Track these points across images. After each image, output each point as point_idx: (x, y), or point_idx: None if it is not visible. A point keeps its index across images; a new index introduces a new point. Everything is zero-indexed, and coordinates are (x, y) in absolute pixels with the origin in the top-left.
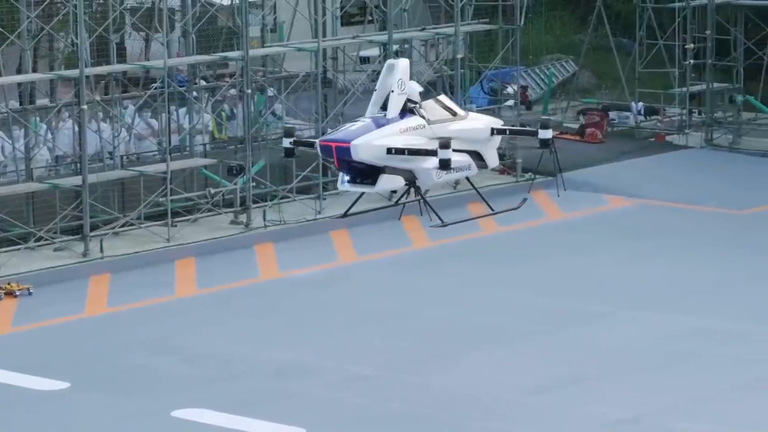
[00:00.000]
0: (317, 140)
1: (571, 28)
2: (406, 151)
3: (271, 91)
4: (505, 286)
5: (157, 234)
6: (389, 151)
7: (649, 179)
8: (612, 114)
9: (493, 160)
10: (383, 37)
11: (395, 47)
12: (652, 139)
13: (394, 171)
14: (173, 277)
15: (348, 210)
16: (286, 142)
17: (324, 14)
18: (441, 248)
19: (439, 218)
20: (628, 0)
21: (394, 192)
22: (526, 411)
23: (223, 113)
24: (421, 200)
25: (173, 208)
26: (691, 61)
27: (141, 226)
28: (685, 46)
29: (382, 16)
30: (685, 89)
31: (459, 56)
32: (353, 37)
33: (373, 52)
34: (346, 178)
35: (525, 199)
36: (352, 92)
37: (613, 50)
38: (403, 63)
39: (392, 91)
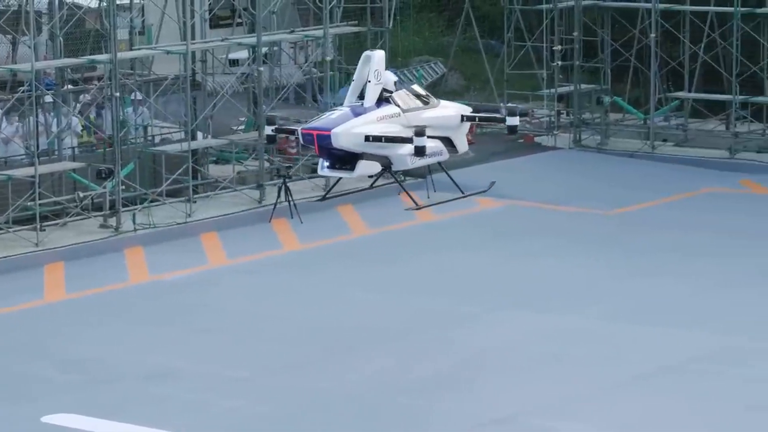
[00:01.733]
0: (299, 128)
1: (439, 30)
2: (383, 138)
3: (139, 95)
4: (379, 287)
5: (25, 238)
6: (367, 138)
7: (519, 180)
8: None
9: (462, 145)
10: (252, 40)
11: (264, 50)
12: (522, 141)
13: (372, 157)
14: (42, 282)
15: (326, 193)
16: (268, 130)
17: (192, 17)
18: (313, 251)
19: (414, 201)
20: (495, 2)
21: (371, 176)
22: (400, 412)
23: (91, 116)
24: (397, 183)
25: (42, 212)
26: (559, 63)
27: (9, 230)
28: (553, 48)
29: (251, 18)
30: (553, 90)
31: (328, 58)
32: (222, 40)
33: (242, 54)
34: (326, 163)
35: (493, 182)
36: (222, 95)
37: (482, 52)
38: (378, 54)
39: (369, 82)
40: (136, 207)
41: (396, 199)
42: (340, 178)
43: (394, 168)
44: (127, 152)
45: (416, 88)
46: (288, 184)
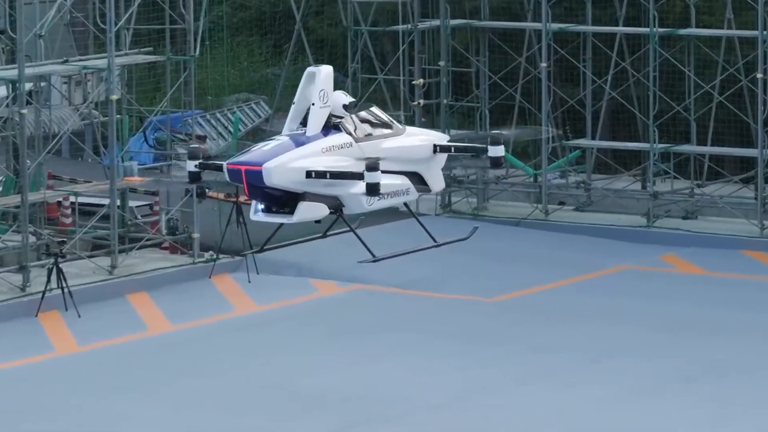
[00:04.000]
0: (224, 163)
1: (262, 60)
2: (327, 174)
3: None
4: (177, 404)
5: None
6: (309, 174)
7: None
8: None
9: (437, 182)
10: (12, 72)
11: (28, 86)
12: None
13: (316, 198)
14: None
15: (264, 245)
16: (191, 165)
17: None
18: (94, 354)
19: (370, 252)
20: (335, 22)
21: (318, 222)
22: None
23: None
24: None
25: None
26: (421, 101)
27: None
28: (413, 82)
29: (10, 44)
30: None
31: (114, 97)
32: None
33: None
34: (260, 206)
35: (476, 228)
36: None
37: None
38: (325, 70)
39: (312, 104)
40: None
41: (207, 284)
42: (281, 225)
43: (347, 211)
44: None
45: (376, 110)
46: (61, 266)
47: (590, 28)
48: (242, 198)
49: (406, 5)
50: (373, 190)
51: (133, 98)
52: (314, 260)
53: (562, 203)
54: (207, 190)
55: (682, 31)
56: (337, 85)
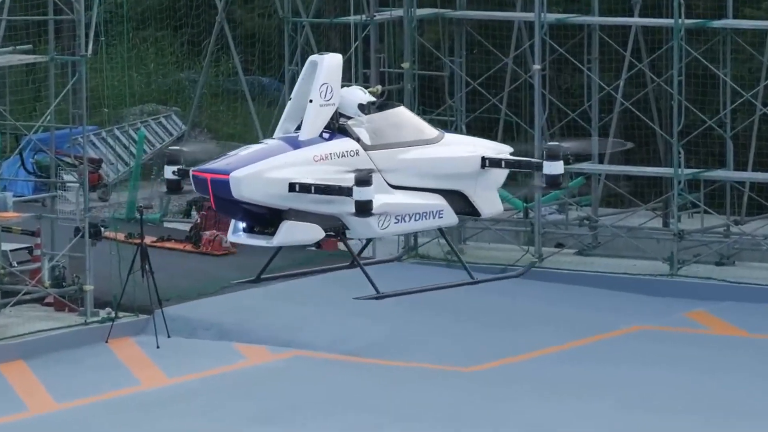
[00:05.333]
0: (191, 169)
1: (174, 61)
2: (312, 188)
3: None
4: None
5: None
6: (292, 187)
7: (314, 316)
8: None
9: (488, 204)
10: None
11: None
12: (316, 248)
13: (307, 217)
14: None
15: (261, 272)
16: (168, 172)
17: None
18: None
19: (374, 286)
20: (269, 12)
21: (318, 246)
22: None
23: None
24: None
25: None
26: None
27: None
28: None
29: None
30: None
31: None
32: None
33: None
34: (241, 225)
35: (533, 263)
36: None
37: (247, 96)
38: (330, 61)
39: (310, 101)
40: None
41: (103, 350)
42: (278, 250)
43: (352, 235)
44: None
45: (403, 112)
46: None
47: (597, 20)
48: (148, 239)
49: None
50: (363, 209)
51: (7, 110)
52: (240, 319)
53: (560, 245)
54: (103, 230)
55: (716, 23)
56: (271, 94)
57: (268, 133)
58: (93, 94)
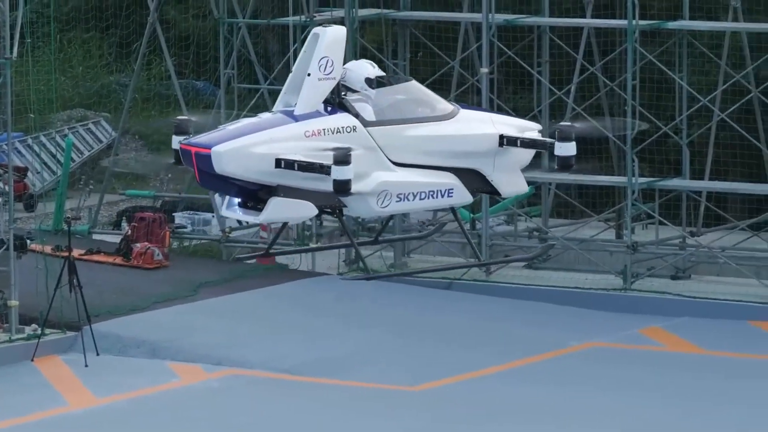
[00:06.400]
0: (180, 142)
1: (103, 63)
2: (295, 164)
3: None
4: None
5: None
6: (278, 163)
7: (250, 333)
8: (180, 217)
9: (509, 184)
10: None
11: None
12: (254, 261)
13: (298, 194)
14: None
15: (269, 247)
16: (176, 142)
17: None
18: None
19: (365, 268)
20: (203, 14)
21: (318, 218)
22: None
23: None
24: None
25: None
26: None
27: None
28: None
29: None
30: None
31: None
32: None
33: None
34: (236, 200)
35: (552, 245)
36: None
37: (180, 101)
38: (333, 33)
39: (308, 75)
40: None
41: (28, 369)
42: (286, 225)
43: (350, 213)
44: None
45: (415, 86)
46: None
47: (547, 21)
48: (76, 252)
49: None
50: (341, 189)
51: None
52: (173, 336)
53: (507, 257)
54: (29, 242)
55: (672, 24)
56: (206, 98)
57: None
58: (18, 99)
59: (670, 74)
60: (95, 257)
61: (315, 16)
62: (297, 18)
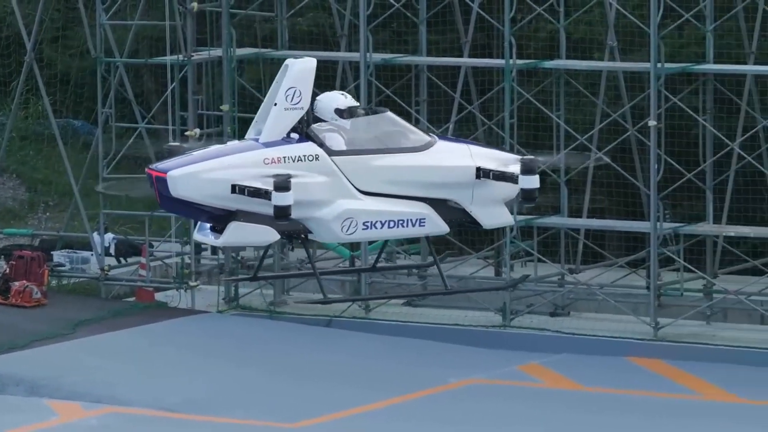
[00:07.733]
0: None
1: None
2: (245, 190)
3: None
4: None
5: None
6: (233, 189)
7: (130, 371)
8: (59, 255)
9: (488, 216)
10: None
11: None
12: (133, 299)
13: (258, 218)
14: None
15: (256, 271)
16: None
17: None
18: None
19: (322, 291)
20: (80, 52)
21: (289, 242)
22: None
23: None
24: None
25: None
26: None
27: None
28: (186, 133)
29: None
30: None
31: None
32: None
33: None
34: (207, 225)
35: (526, 276)
36: None
37: (57, 139)
38: (301, 65)
39: (275, 105)
40: None
41: None
42: (268, 249)
43: (316, 238)
44: None
45: (389, 117)
46: None
47: (425, 60)
48: None
49: (175, 30)
50: (280, 214)
51: None
52: (52, 374)
53: (388, 295)
54: None
55: (548, 64)
56: (84, 136)
57: (80, 179)
58: None
59: (547, 113)
60: None
61: (192, 56)
62: (174, 57)
